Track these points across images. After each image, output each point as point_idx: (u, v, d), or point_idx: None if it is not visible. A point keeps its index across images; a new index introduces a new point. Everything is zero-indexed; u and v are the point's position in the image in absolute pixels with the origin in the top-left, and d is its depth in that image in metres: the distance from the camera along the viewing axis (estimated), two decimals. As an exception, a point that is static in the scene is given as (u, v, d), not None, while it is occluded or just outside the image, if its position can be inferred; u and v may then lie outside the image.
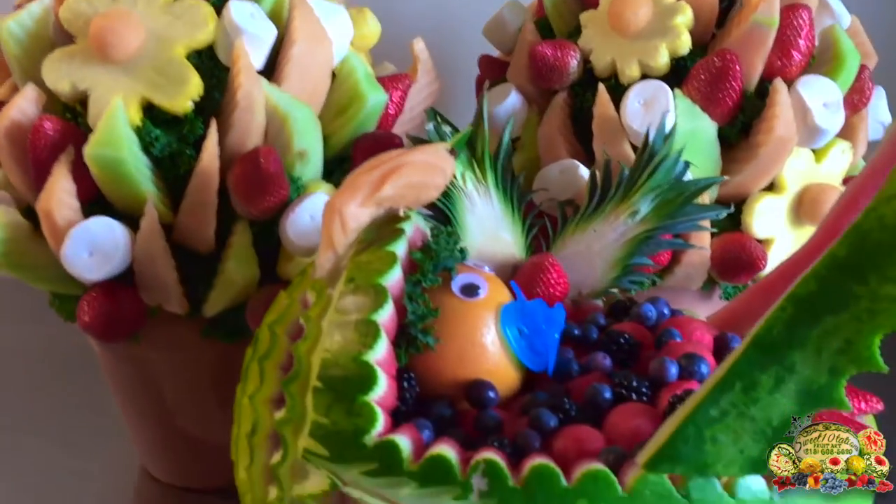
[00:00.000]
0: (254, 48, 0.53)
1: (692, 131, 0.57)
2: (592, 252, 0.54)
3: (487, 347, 0.43)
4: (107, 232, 0.50)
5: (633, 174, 0.53)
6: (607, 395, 0.42)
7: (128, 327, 0.53)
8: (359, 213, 0.42)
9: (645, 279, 0.58)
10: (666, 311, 0.51)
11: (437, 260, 0.43)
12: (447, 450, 0.36)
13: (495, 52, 0.72)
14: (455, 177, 0.52)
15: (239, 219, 0.53)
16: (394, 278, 0.41)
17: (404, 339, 0.42)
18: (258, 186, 0.51)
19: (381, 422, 0.37)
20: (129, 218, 0.52)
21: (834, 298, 0.34)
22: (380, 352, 0.39)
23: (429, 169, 0.45)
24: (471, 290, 0.44)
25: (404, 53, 0.64)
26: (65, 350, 0.77)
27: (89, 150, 0.49)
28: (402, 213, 0.45)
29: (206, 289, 0.54)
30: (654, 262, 0.57)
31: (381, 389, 0.38)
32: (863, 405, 0.42)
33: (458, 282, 0.44)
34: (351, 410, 0.37)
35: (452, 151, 0.46)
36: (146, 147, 0.51)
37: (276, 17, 0.55)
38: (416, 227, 0.46)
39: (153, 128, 0.51)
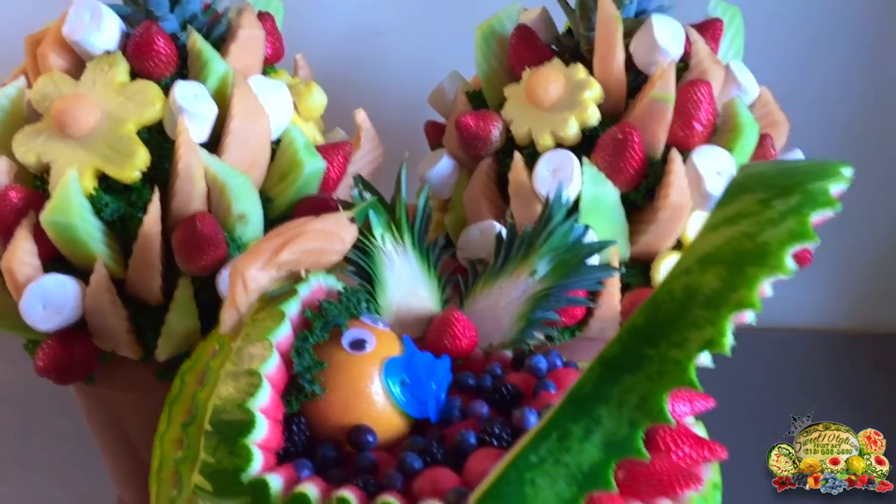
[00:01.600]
0: (196, 124, 0.60)
1: (596, 196, 0.62)
2: (499, 307, 0.59)
3: (371, 396, 0.48)
4: (59, 288, 0.57)
5: (532, 236, 0.58)
6: (472, 440, 0.47)
7: (80, 371, 0.59)
8: (259, 276, 0.49)
9: (555, 333, 0.63)
10: (558, 363, 0.56)
11: (326, 318, 0.49)
12: (309, 487, 0.42)
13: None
14: (374, 237, 0.58)
15: (182, 274, 0.59)
16: (282, 335, 0.47)
17: (294, 388, 0.48)
18: (196, 246, 0.57)
19: (259, 461, 0.43)
20: (85, 273, 0.59)
21: (632, 360, 0.39)
22: (262, 399, 0.44)
23: (327, 236, 0.51)
24: (358, 345, 0.49)
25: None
26: (46, 388, 0.84)
27: (44, 217, 0.56)
28: (303, 275, 0.51)
29: (155, 336, 0.60)
30: (569, 316, 0.62)
31: (262, 433, 0.44)
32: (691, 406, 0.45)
33: (347, 337, 0.49)
34: (232, 451, 0.43)
35: (353, 220, 0.52)
36: (98, 212, 0.58)
37: (219, 95, 0.62)
38: (318, 286, 0.51)
39: (104, 195, 0.58)
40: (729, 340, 0.37)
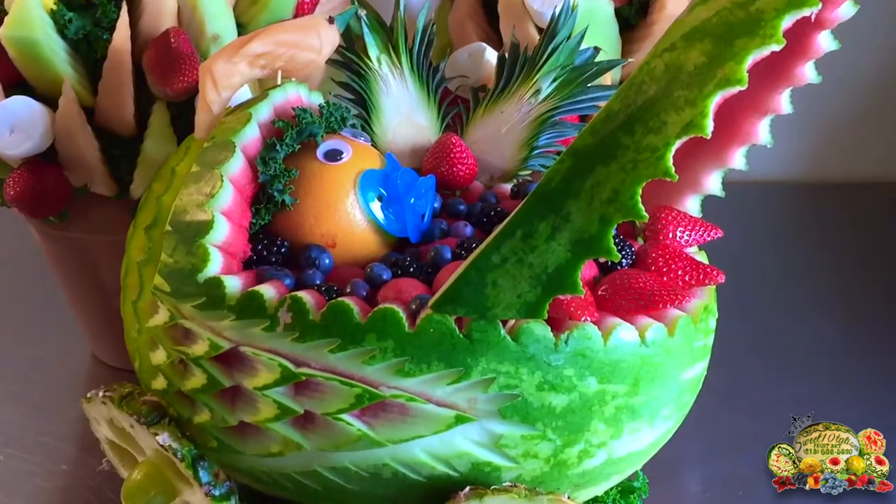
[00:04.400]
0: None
1: (590, 10, 0.60)
2: (501, 134, 0.57)
3: (345, 209, 0.47)
4: (25, 109, 0.57)
5: (535, 54, 0.56)
6: (447, 255, 0.45)
7: (53, 204, 0.60)
8: (228, 70, 0.47)
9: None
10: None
11: (300, 126, 0.47)
12: (265, 288, 0.41)
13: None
14: (370, 59, 0.55)
15: (156, 100, 0.58)
16: (248, 137, 0.46)
17: (265, 197, 0.46)
18: (170, 65, 0.56)
19: (217, 263, 0.42)
20: (51, 101, 0.59)
21: (605, 150, 0.36)
22: (223, 201, 0.43)
23: (301, 29, 0.49)
24: (333, 156, 0.47)
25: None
26: (14, 251, 0.87)
27: (4, 32, 0.56)
28: (278, 80, 0.48)
29: (130, 169, 0.60)
30: (568, 145, 0.59)
31: (221, 234, 0.43)
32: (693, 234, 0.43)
33: (323, 147, 0.48)
34: (190, 251, 0.42)
35: (331, 20, 0.48)
36: (61, 30, 0.58)
37: None
38: (295, 96, 0.49)
39: (66, 11, 0.57)
40: (710, 123, 0.33)
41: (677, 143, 0.35)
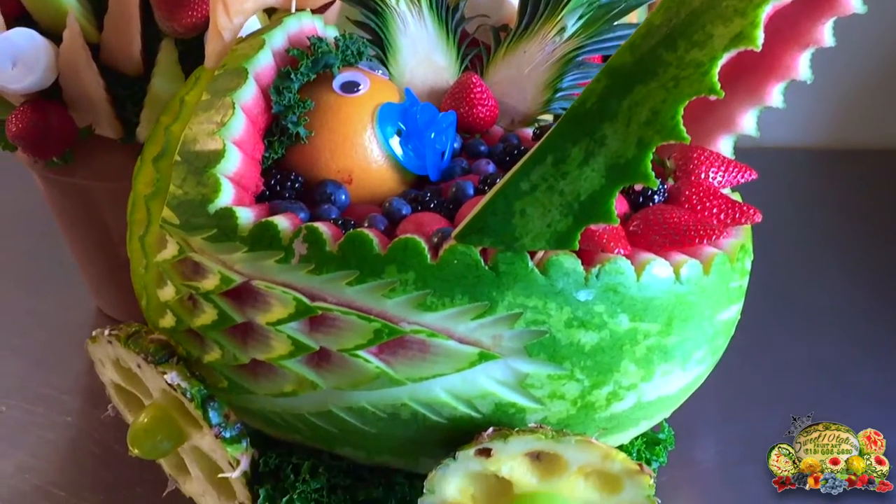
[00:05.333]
0: None
1: None
2: (523, 75, 0.55)
3: (362, 143, 0.45)
4: (28, 42, 0.55)
5: None
6: (469, 190, 0.43)
7: (57, 143, 0.58)
8: (241, -6, 0.44)
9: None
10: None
11: (316, 56, 0.44)
12: (279, 219, 0.38)
13: None
14: (388, -4, 0.53)
15: (164, 37, 0.56)
16: (261, 65, 0.44)
17: (278, 129, 0.44)
18: (179, 1, 0.53)
19: (228, 193, 0.40)
20: (55, 36, 0.57)
21: (645, 68, 0.34)
22: (235, 130, 0.41)
23: None
24: (350, 87, 0.46)
25: None
26: (18, 206, 0.85)
27: None
28: (292, 8, 0.46)
29: (136, 110, 0.58)
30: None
31: (233, 165, 0.41)
32: (727, 175, 0.41)
33: (339, 79, 0.46)
34: (200, 181, 0.41)
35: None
36: None
37: None
38: (311, 26, 0.47)
39: None
40: (761, 34, 0.31)
41: (724, 58, 0.33)
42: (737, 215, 0.43)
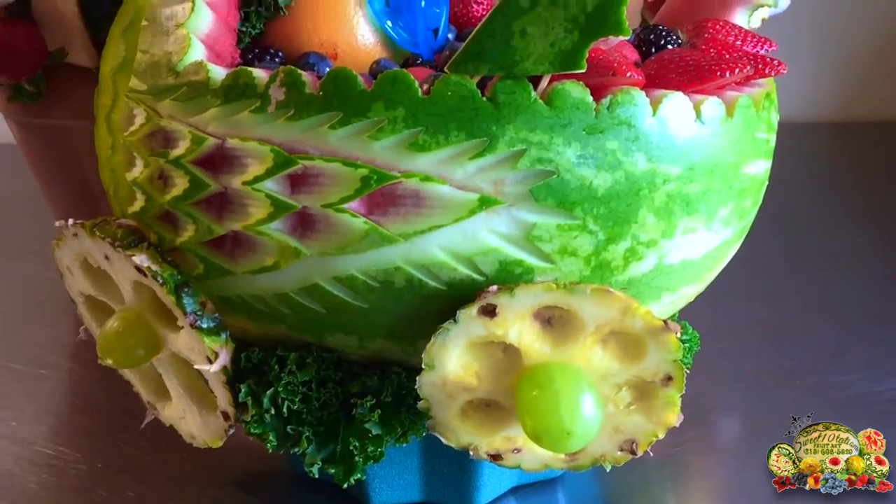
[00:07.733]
0: None
1: None
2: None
3: (346, 14, 0.41)
4: None
5: None
6: None
7: (25, 63, 0.54)
8: None
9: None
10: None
11: (294, -80, 0.41)
12: (254, 69, 0.34)
13: None
14: None
15: None
16: None
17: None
18: None
19: (198, 51, 0.36)
20: None
21: None
22: (207, -10, 0.37)
23: None
24: None
25: None
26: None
27: None
28: None
29: None
30: None
31: (204, 24, 0.38)
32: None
33: None
34: (168, 41, 0.37)
35: None
36: None
37: None
38: None
39: None
40: None
41: None
42: (761, 66, 0.39)
